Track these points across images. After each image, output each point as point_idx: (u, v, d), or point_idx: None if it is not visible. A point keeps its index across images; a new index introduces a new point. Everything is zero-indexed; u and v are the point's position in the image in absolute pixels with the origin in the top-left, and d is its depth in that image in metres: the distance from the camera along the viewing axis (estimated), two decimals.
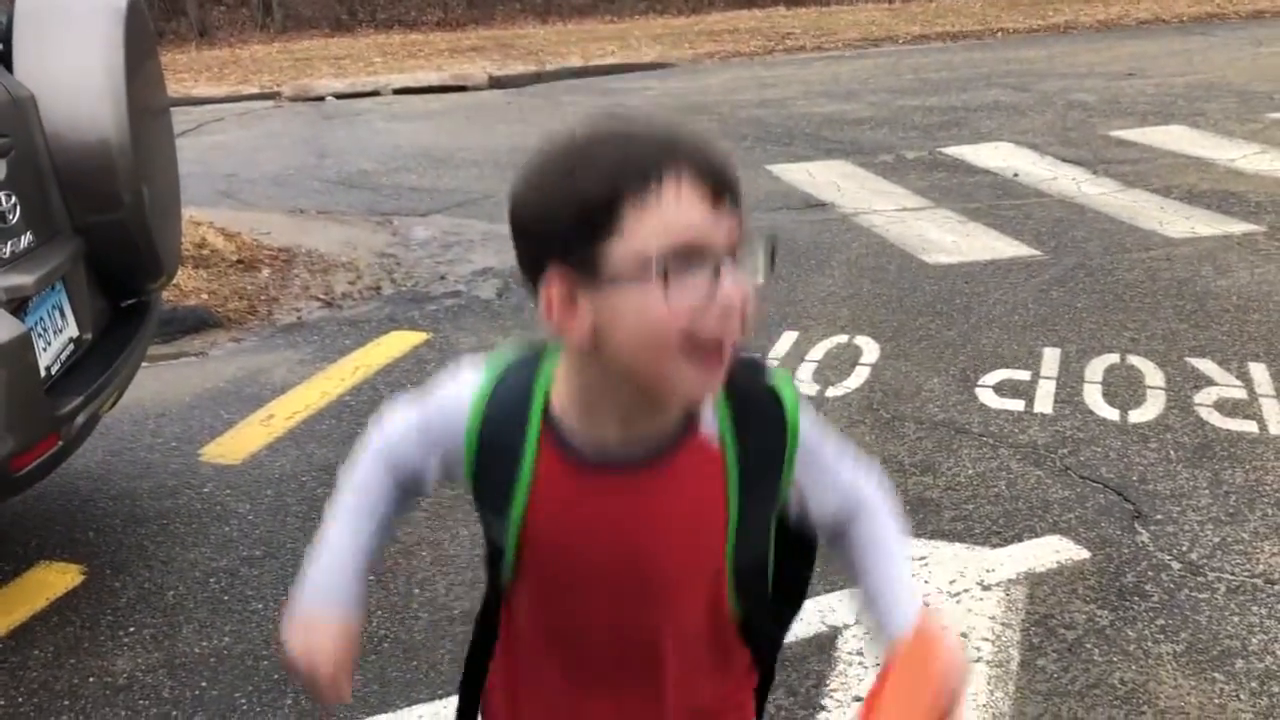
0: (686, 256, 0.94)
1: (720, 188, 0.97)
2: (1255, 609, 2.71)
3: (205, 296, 5.22)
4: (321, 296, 5.45)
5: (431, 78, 13.13)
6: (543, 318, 1.01)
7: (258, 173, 8.49)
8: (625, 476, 1.09)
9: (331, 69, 14.44)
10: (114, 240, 3.04)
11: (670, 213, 0.94)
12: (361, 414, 4.08)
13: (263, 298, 5.42)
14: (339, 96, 12.44)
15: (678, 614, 1.17)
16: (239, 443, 3.89)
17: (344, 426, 3.99)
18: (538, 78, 13.16)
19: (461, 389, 1.16)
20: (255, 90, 13.06)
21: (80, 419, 2.84)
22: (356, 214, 7.07)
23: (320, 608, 1.23)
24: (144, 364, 3.42)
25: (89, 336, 3.05)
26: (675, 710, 1.20)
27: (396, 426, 1.26)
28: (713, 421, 1.11)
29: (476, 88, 12.76)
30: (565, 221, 0.96)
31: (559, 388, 1.09)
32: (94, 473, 3.68)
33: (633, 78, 13.04)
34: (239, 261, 5.77)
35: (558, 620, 1.20)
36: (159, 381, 4.35)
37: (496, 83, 12.86)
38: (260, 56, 16.56)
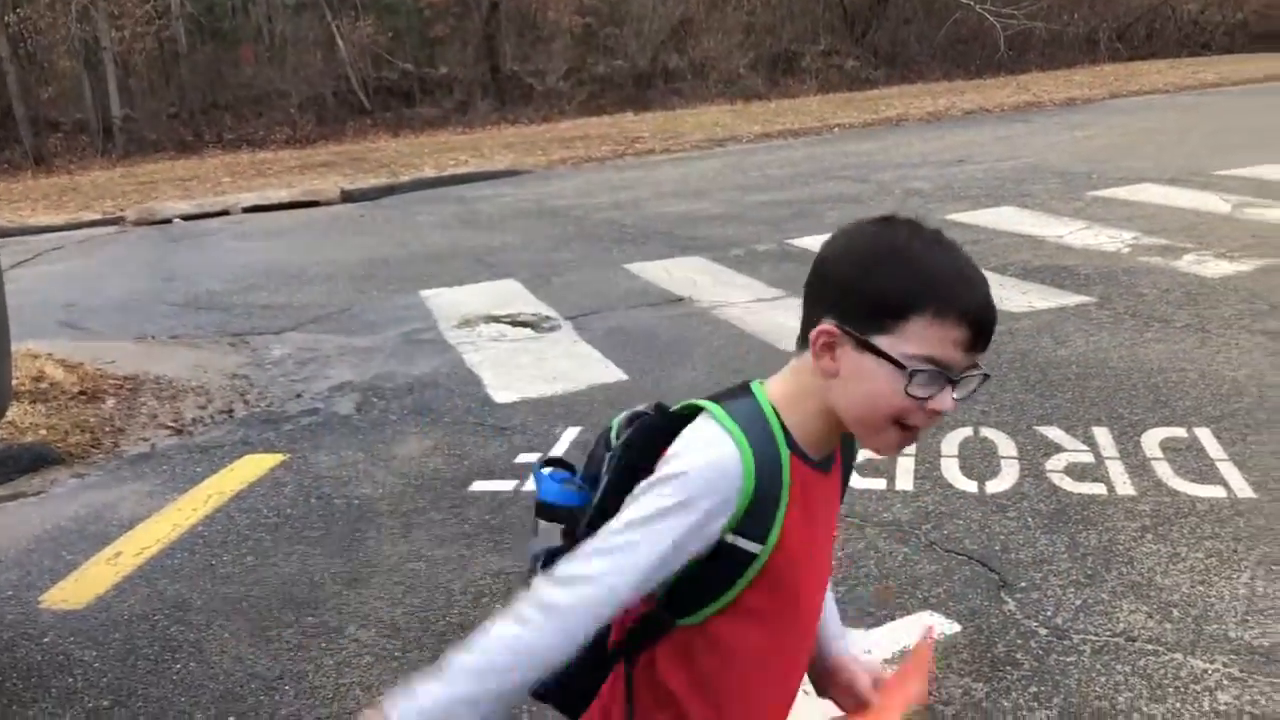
0: (932, 368, 1.20)
1: (984, 338, 1.23)
2: (1119, 667, 2.78)
3: (44, 432, 4.96)
4: (170, 424, 5.23)
5: (282, 194, 12.97)
6: (810, 349, 1.27)
7: (101, 300, 8.19)
8: (829, 477, 1.36)
9: (178, 191, 14.14)
10: None
11: (941, 338, 1.20)
12: (215, 544, 3.90)
13: (107, 429, 5.17)
14: (186, 218, 12.17)
15: (823, 581, 1.46)
16: (83, 585, 3.66)
17: (197, 559, 3.80)
18: (391, 190, 13.14)
19: (722, 455, 1.24)
20: (97, 216, 12.67)
21: None
22: (206, 336, 6.87)
23: None
24: None
25: None
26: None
27: (666, 547, 1.24)
28: None
29: (329, 202, 12.65)
30: (860, 301, 1.22)
31: (792, 415, 1.29)
32: None
33: (487, 185, 13.15)
34: (81, 393, 5.51)
35: (781, 623, 1.34)
36: None
37: (349, 196, 12.78)
38: (101, 182, 16.12)
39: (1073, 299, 6.13)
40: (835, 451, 1.36)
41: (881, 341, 1.20)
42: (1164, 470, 3.90)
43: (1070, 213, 8.50)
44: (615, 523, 1.24)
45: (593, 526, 1.30)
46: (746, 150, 14.68)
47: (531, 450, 4.52)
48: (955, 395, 1.23)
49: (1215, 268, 6.57)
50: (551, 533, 1.38)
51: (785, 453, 1.27)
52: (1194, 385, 4.68)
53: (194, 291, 8.26)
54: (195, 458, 4.80)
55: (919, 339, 1.19)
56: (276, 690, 2.98)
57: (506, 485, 4.20)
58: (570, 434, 4.66)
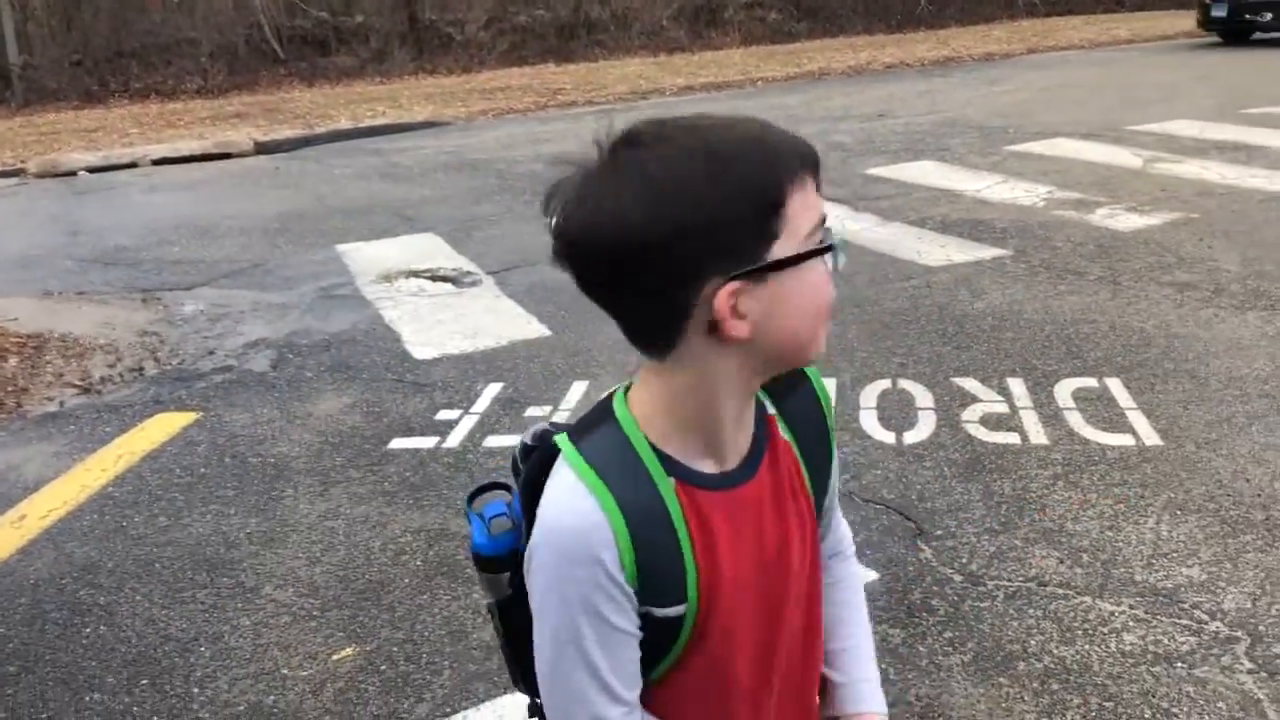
0: (822, 232, 1.00)
1: (819, 172, 1.03)
2: (1031, 612, 2.85)
3: None
4: (78, 383, 5.07)
5: (193, 146, 12.57)
6: (700, 336, 0.98)
7: (0, 255, 7.87)
8: (751, 486, 1.09)
9: (83, 142, 13.62)
10: None
11: (810, 195, 0.99)
12: (126, 505, 3.80)
13: (10, 389, 4.99)
14: (92, 170, 11.74)
15: (791, 610, 1.16)
16: None
17: (107, 521, 3.70)
18: (306, 141, 12.82)
19: (572, 511, 1.01)
20: None
21: None
22: (115, 292, 6.65)
23: None
24: None
25: None
26: (789, 699, 1.20)
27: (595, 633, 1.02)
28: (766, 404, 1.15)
29: (242, 154, 12.29)
30: (736, 228, 0.95)
31: (664, 427, 1.04)
32: None
33: (406, 137, 12.89)
34: None
35: (718, 677, 1.12)
36: None
37: (263, 148, 12.43)
38: (0, 132, 15.49)
39: (989, 252, 6.22)
40: (758, 443, 1.10)
41: (782, 248, 0.96)
42: (1075, 420, 3.99)
43: (988, 167, 8.61)
44: (536, 631, 1.05)
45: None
46: (670, 103, 14.59)
47: (452, 407, 4.47)
48: None
49: (1127, 221, 6.71)
50: (497, 582, 1.20)
51: (667, 484, 1.03)
52: (1105, 336, 4.79)
53: (101, 246, 7.99)
54: (104, 417, 4.66)
55: (801, 214, 0.97)
56: (191, 652, 2.93)
57: (426, 442, 4.15)
58: (492, 390, 4.62)
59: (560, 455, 1.05)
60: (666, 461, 1.04)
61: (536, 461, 1.10)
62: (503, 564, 1.18)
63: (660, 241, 0.94)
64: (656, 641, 1.06)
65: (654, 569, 1.01)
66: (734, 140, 0.98)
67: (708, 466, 1.06)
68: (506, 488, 1.24)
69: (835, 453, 1.23)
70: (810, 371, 1.19)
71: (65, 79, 20.19)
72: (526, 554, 1.05)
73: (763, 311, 0.97)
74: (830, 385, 4.41)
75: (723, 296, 0.95)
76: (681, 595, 1.03)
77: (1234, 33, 16.87)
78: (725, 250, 0.95)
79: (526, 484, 1.11)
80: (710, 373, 1.01)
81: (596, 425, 1.06)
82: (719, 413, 1.04)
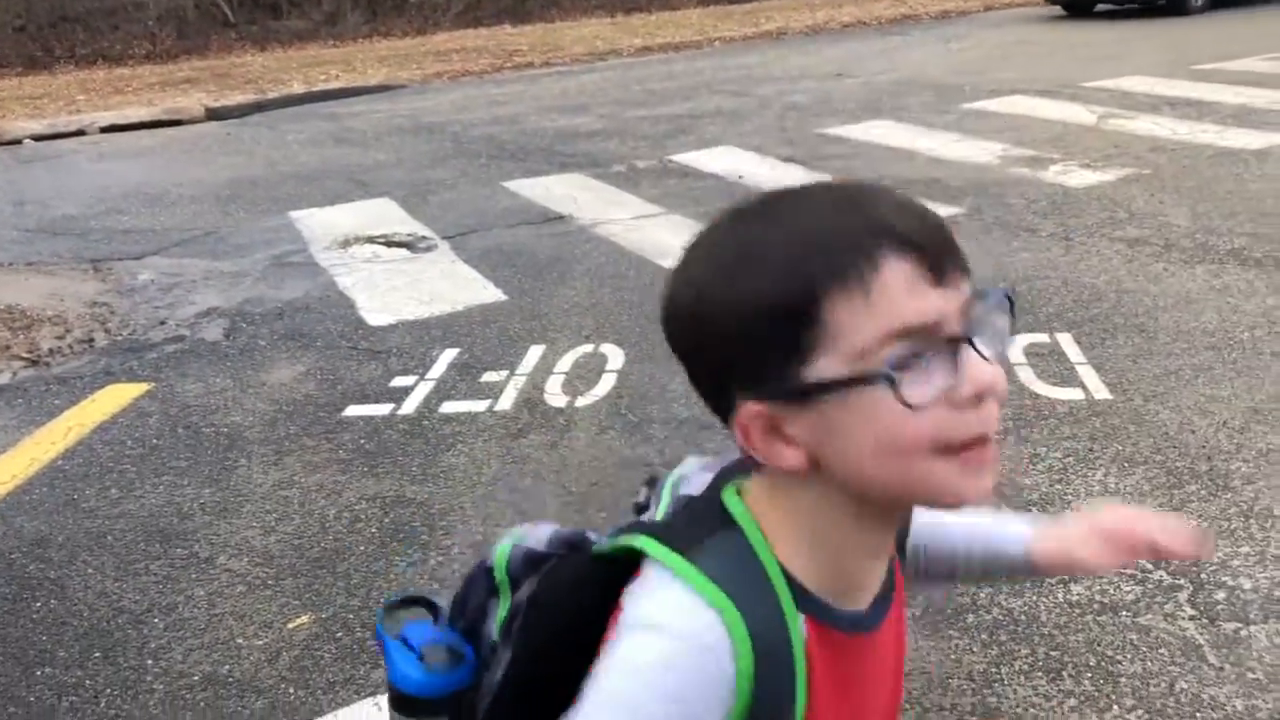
0: (911, 344, 0.73)
1: (940, 255, 0.75)
2: None
3: None
4: (25, 355, 4.99)
5: (142, 113, 12.36)
6: (744, 449, 0.81)
7: None
8: (881, 631, 0.89)
9: (27, 109, 13.36)
10: None
11: (884, 298, 0.73)
12: (76, 478, 3.76)
13: None
14: (37, 139, 11.52)
15: None
16: None
17: (58, 494, 3.66)
18: (258, 107, 12.64)
19: (694, 613, 0.78)
20: None
21: None
22: (63, 263, 6.54)
23: None
24: None
25: None
26: None
27: None
28: None
29: (193, 121, 12.12)
30: (751, 343, 0.76)
31: (790, 548, 0.83)
32: None
33: (360, 101, 12.74)
34: None
35: None
36: None
37: (214, 114, 12.26)
38: None
39: (943, 210, 6.22)
40: (888, 580, 0.90)
41: (821, 369, 0.74)
42: (1027, 375, 4.03)
43: (944, 125, 8.63)
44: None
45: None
46: (627, 64, 14.49)
47: (407, 373, 4.44)
48: (985, 349, 0.76)
49: (1080, 178, 6.76)
50: None
51: (795, 619, 0.81)
52: (1057, 292, 4.84)
53: (48, 216, 7.85)
54: (53, 389, 4.59)
55: (857, 326, 0.73)
56: (145, 624, 2.91)
57: (381, 409, 4.13)
58: (448, 356, 4.59)
59: (657, 570, 0.81)
60: (796, 590, 0.82)
61: (574, 574, 0.91)
62: (439, 707, 0.98)
63: (693, 348, 0.81)
64: None
65: (761, 715, 0.80)
66: (780, 229, 0.77)
67: (842, 602, 0.85)
68: (429, 604, 1.06)
69: None
70: None
71: (8, 45, 19.74)
72: (610, 655, 0.78)
73: (817, 442, 0.78)
74: None
75: (743, 417, 0.78)
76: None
77: (1078, 6, 16.14)
78: (746, 366, 0.77)
79: (553, 597, 0.91)
80: (808, 500, 0.82)
81: (709, 530, 0.83)
82: (843, 543, 0.84)
